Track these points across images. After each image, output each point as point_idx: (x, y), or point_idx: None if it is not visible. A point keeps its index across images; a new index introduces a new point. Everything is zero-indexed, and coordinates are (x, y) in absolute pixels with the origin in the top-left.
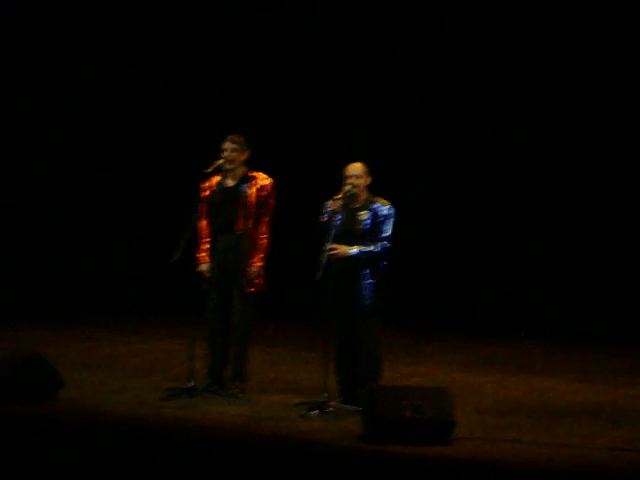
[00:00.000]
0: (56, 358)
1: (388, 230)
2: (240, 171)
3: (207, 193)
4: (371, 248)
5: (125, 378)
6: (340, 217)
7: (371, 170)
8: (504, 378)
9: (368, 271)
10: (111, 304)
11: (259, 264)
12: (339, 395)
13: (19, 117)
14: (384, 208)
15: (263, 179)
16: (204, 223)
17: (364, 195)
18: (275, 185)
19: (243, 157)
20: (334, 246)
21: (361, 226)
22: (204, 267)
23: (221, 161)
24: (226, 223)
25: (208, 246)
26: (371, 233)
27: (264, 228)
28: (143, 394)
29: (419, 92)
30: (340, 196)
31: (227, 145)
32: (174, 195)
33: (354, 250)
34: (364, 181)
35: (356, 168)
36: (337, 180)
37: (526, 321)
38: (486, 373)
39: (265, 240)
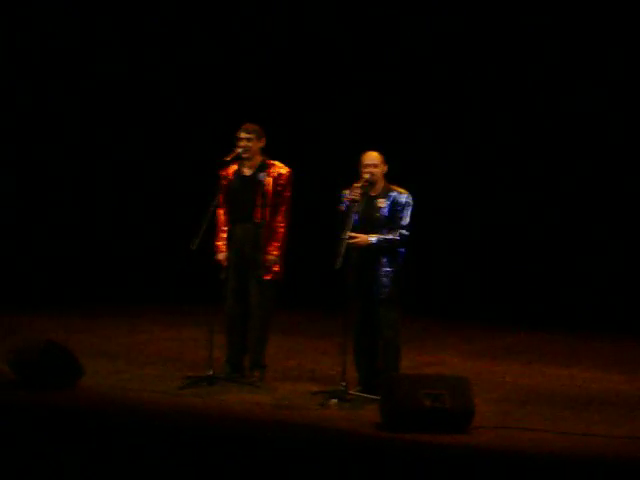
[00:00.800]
0: (76, 346)
1: (407, 218)
2: (257, 160)
3: (225, 182)
4: (390, 236)
5: (144, 366)
6: (358, 205)
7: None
8: (524, 367)
9: (387, 259)
10: (130, 293)
11: (276, 252)
12: (358, 384)
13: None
14: (402, 196)
15: (280, 168)
16: (222, 212)
17: (382, 183)
18: (292, 174)
19: (259, 145)
20: (353, 235)
21: (379, 214)
22: (221, 256)
23: (239, 150)
24: (244, 212)
25: (225, 235)
26: (389, 221)
27: (282, 216)
28: (162, 383)
29: (435, 79)
30: (359, 185)
31: (242, 134)
32: (192, 183)
33: (373, 238)
34: (381, 169)
35: (373, 157)
36: (352, 169)
37: (546, 310)
38: (505, 362)
39: (283, 228)
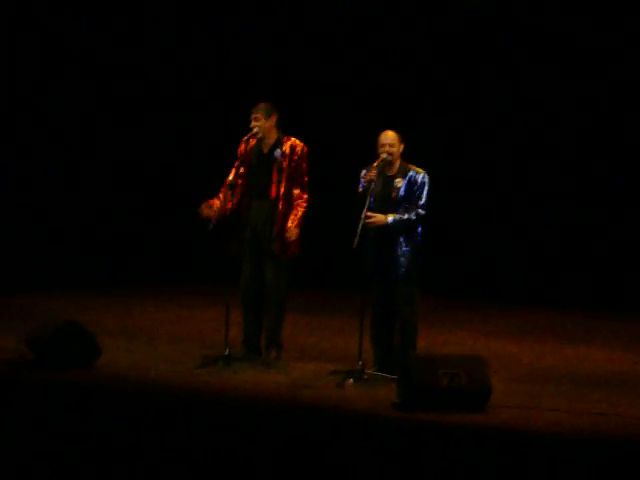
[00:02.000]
0: (93, 326)
1: (423, 198)
2: (272, 137)
3: (244, 155)
4: (406, 216)
5: (161, 346)
6: (375, 185)
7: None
8: (540, 346)
9: (404, 238)
10: (147, 271)
11: (295, 229)
12: (374, 363)
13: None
14: (419, 175)
15: (295, 142)
16: (238, 189)
17: (398, 163)
18: (307, 149)
19: (270, 123)
20: (370, 214)
21: (396, 193)
22: (208, 211)
23: (255, 129)
24: (260, 188)
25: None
26: (406, 201)
27: (299, 191)
28: (179, 362)
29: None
30: (376, 164)
31: (253, 115)
32: (210, 160)
33: (390, 218)
34: (398, 149)
35: (390, 136)
36: (370, 149)
37: (562, 289)
38: (522, 341)
39: (300, 204)
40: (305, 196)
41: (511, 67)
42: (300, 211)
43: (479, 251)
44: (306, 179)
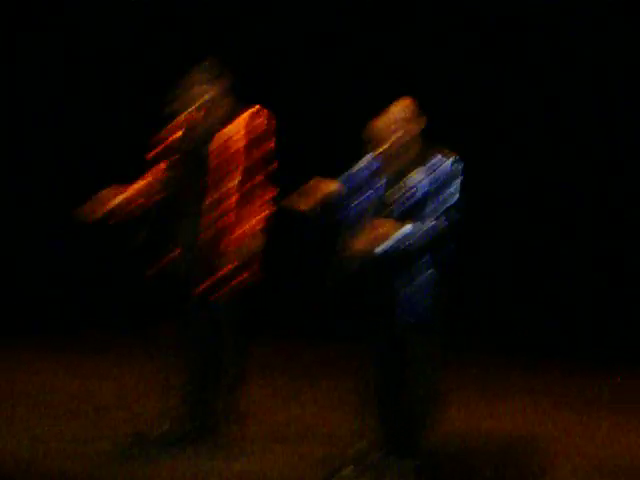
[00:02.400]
0: None
1: (454, 194)
2: (222, 108)
3: (179, 137)
4: (433, 223)
5: (63, 420)
6: (380, 182)
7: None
8: (619, 422)
9: (423, 262)
10: (40, 314)
11: (250, 240)
12: (382, 444)
13: None
14: (447, 163)
15: (253, 111)
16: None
17: (416, 147)
18: (273, 119)
19: (219, 87)
20: (374, 222)
21: (413, 193)
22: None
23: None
24: (195, 195)
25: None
26: (429, 202)
27: (261, 184)
28: (95, 442)
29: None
30: (379, 150)
31: (193, 78)
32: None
33: (407, 228)
34: (415, 127)
35: (402, 108)
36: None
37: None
38: (592, 415)
39: (264, 201)
40: (270, 191)
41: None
42: (263, 212)
43: (530, 290)
44: (273, 166)
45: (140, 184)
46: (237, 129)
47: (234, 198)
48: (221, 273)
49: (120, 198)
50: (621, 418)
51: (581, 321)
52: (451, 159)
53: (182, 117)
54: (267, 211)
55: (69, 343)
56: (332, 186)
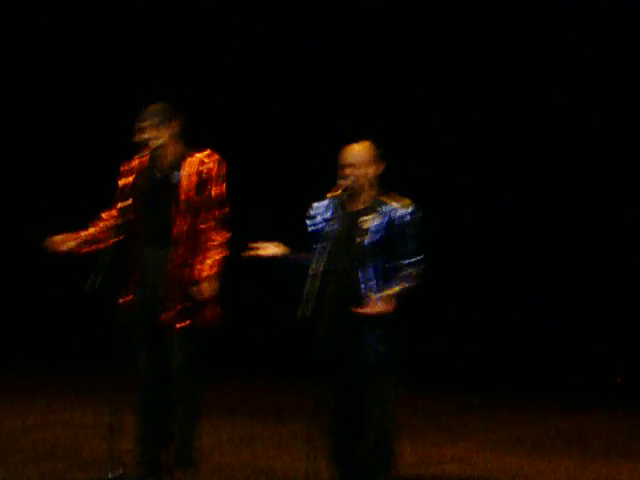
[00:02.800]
0: None
1: (415, 243)
2: (171, 154)
3: (129, 182)
4: (406, 272)
5: (15, 466)
6: (335, 225)
7: (383, 154)
8: (580, 463)
9: None
10: None
11: (209, 283)
12: None
13: None
14: (403, 211)
15: (203, 158)
16: (112, 214)
17: (372, 192)
18: (224, 163)
19: (170, 132)
20: (367, 307)
21: (365, 238)
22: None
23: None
24: (155, 229)
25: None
26: (382, 249)
27: (213, 227)
28: None
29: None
30: (335, 193)
31: (144, 122)
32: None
33: (389, 293)
34: (371, 170)
35: (357, 153)
36: (328, 169)
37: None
38: (552, 456)
39: (217, 244)
40: (224, 235)
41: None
42: (217, 255)
43: (486, 327)
44: (225, 209)
45: (90, 231)
46: (187, 172)
47: (187, 239)
48: (186, 304)
49: (71, 244)
50: (585, 459)
51: (532, 359)
52: (407, 207)
53: (133, 162)
54: (222, 254)
55: (16, 380)
56: (280, 249)
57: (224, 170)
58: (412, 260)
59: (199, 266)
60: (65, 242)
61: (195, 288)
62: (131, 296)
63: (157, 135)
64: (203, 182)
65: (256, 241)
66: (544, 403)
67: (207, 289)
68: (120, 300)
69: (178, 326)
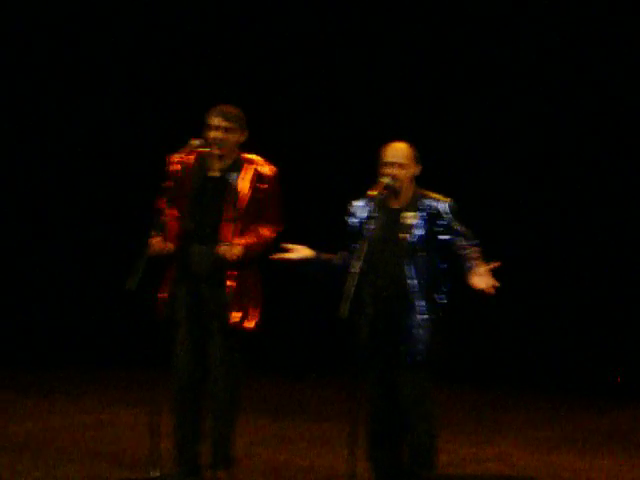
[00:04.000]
0: None
1: (465, 228)
2: (231, 156)
3: (181, 175)
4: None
5: (55, 465)
6: (376, 222)
7: (421, 156)
8: (620, 462)
9: (424, 300)
10: (36, 356)
11: (242, 248)
12: None
13: None
14: (442, 204)
15: (261, 165)
16: (173, 225)
17: (411, 190)
18: (278, 175)
19: (240, 139)
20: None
21: (407, 234)
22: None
23: (197, 142)
24: (205, 228)
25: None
26: (426, 244)
27: (264, 236)
28: None
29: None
30: (375, 192)
31: (217, 121)
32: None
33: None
34: (411, 171)
35: (399, 151)
36: (364, 172)
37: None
38: (593, 455)
39: (264, 240)
40: (270, 241)
41: None
42: (255, 237)
43: (528, 323)
44: (275, 220)
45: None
46: (244, 177)
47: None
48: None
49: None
50: (627, 458)
51: (575, 356)
52: (446, 201)
53: (181, 158)
54: (260, 239)
55: (54, 382)
56: (309, 252)
57: (278, 181)
58: (472, 242)
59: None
60: (161, 244)
61: (220, 246)
62: (168, 293)
63: (228, 138)
64: (259, 190)
65: (287, 243)
66: (585, 401)
67: (229, 251)
68: (159, 297)
69: (226, 327)
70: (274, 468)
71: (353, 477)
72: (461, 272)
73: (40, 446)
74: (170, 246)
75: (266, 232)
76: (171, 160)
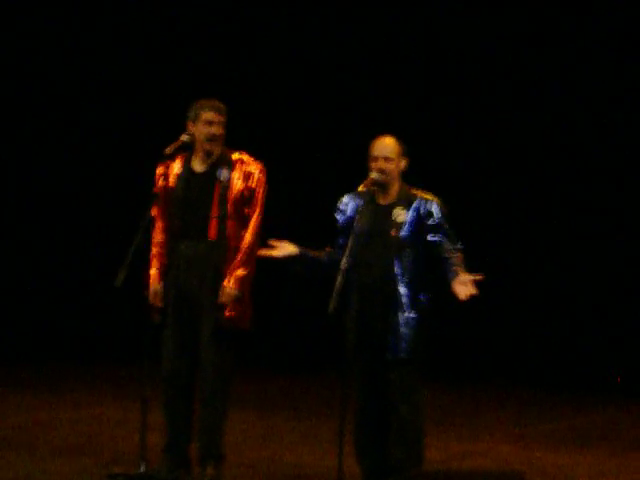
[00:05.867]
0: None
1: (452, 231)
2: (216, 150)
3: (165, 182)
4: (458, 258)
5: (46, 460)
6: (364, 218)
7: (407, 150)
8: (605, 458)
9: (409, 298)
10: (25, 351)
11: (236, 285)
12: None
13: None
14: (431, 204)
15: (249, 164)
16: (160, 226)
17: (397, 186)
18: (265, 172)
19: (223, 134)
20: (463, 277)
21: (400, 231)
22: (156, 289)
23: (186, 137)
24: (193, 224)
25: (163, 260)
26: (416, 241)
27: (250, 234)
28: None
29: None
30: (362, 187)
31: (213, 116)
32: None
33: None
34: (402, 164)
35: (387, 146)
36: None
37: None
38: (577, 451)
39: (250, 251)
40: (255, 239)
41: None
42: (247, 259)
43: (512, 320)
44: (260, 217)
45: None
46: (236, 173)
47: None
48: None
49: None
50: (608, 456)
51: (557, 354)
52: (435, 201)
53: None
54: (252, 254)
55: (46, 375)
56: (294, 250)
57: (265, 179)
58: (457, 246)
59: (232, 269)
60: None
61: (225, 288)
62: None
63: (223, 133)
64: (249, 188)
65: (273, 239)
66: (568, 398)
67: (235, 289)
68: (148, 292)
69: (215, 323)
70: (263, 464)
71: (341, 473)
72: (443, 276)
73: (29, 441)
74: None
75: (250, 239)
76: (159, 165)
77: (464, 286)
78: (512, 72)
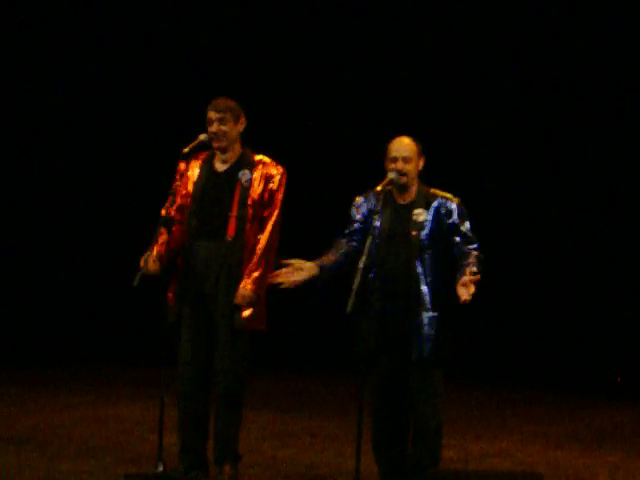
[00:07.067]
0: None
1: (471, 231)
2: (235, 150)
3: (184, 181)
4: (477, 258)
5: (64, 460)
6: (382, 218)
7: (424, 149)
8: (624, 459)
9: (431, 297)
10: (43, 351)
11: (253, 286)
12: None
13: None
14: (452, 204)
15: (270, 166)
16: (177, 227)
17: (416, 186)
18: (286, 175)
19: (238, 129)
20: (469, 276)
21: (421, 231)
22: (151, 265)
23: (203, 136)
24: (211, 223)
25: (163, 253)
26: (433, 243)
27: (268, 235)
28: None
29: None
30: (380, 188)
31: (211, 114)
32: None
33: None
34: (420, 164)
35: (406, 146)
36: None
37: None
38: (597, 451)
39: (267, 253)
40: (273, 240)
41: None
42: (265, 260)
43: (532, 323)
44: (279, 219)
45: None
46: (257, 175)
47: (243, 241)
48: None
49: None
50: (632, 456)
51: (580, 355)
52: (455, 201)
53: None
54: (269, 255)
55: (65, 375)
56: (312, 270)
57: (285, 181)
58: (473, 246)
59: (249, 270)
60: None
61: (241, 290)
62: (181, 287)
63: (222, 129)
64: (267, 190)
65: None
66: (589, 399)
67: (251, 290)
68: (167, 297)
69: (231, 324)
70: (279, 464)
71: (358, 473)
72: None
73: (45, 441)
74: (156, 267)
75: (266, 241)
76: (180, 163)
77: (465, 287)
78: (513, 72)
